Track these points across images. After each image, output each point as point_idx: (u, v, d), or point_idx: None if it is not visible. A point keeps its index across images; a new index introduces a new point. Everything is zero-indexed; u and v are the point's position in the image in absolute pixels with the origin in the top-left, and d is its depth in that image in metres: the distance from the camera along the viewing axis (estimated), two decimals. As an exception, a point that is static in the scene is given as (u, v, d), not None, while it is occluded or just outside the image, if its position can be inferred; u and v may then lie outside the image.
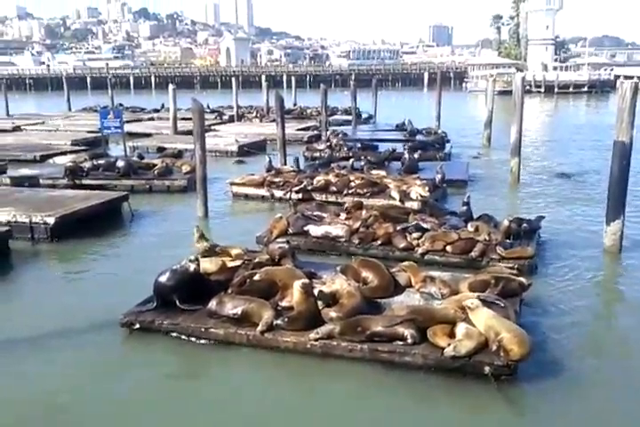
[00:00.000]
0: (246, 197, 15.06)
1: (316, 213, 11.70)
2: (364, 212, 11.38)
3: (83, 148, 22.85)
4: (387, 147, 20.55)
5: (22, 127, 30.92)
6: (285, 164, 17.80)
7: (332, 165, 17.19)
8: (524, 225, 10.65)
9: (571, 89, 67.40)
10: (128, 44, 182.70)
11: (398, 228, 10.53)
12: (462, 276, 8.42)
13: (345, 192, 14.06)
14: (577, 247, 10.90)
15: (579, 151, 23.72)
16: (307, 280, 7.34)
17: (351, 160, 17.53)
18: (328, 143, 21.75)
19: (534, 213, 12.43)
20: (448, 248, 9.81)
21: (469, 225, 10.55)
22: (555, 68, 72.82)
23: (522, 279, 8.07)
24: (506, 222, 10.44)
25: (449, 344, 6.34)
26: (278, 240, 10.33)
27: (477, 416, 5.86)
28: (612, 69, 74.06)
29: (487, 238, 9.90)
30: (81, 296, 8.71)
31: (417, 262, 9.01)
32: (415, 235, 10.12)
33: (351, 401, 6.08)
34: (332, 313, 7.03)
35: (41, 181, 15.83)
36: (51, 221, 11.25)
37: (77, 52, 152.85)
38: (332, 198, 14.02)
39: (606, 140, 12.07)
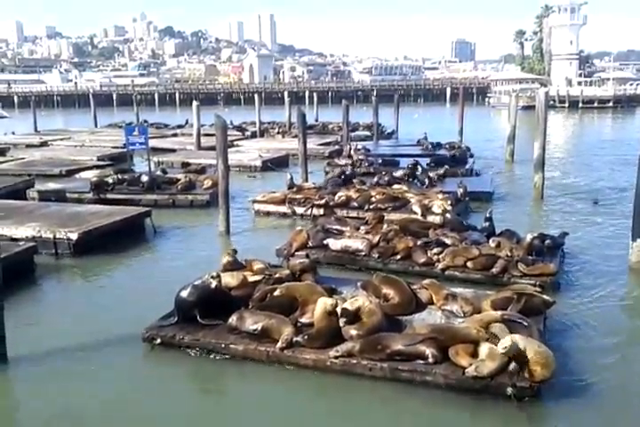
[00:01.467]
0: (268, 214, 15.11)
1: (336, 227, 11.69)
2: (385, 226, 11.35)
3: (108, 163, 23.21)
4: (408, 162, 20.63)
5: (49, 143, 31.55)
6: (307, 180, 17.86)
7: (354, 180, 17.21)
8: (548, 241, 10.51)
9: (595, 104, 66.73)
10: (153, 62, 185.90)
11: (419, 243, 10.47)
12: (485, 293, 8.30)
13: (366, 207, 14.03)
14: (602, 264, 10.72)
15: (603, 166, 23.43)
16: (334, 301, 7.26)
17: (376, 177, 17.51)
18: (349, 160, 21.78)
19: (558, 228, 12.27)
20: (469, 264, 9.71)
21: (491, 241, 10.43)
22: (579, 83, 72.22)
23: (545, 297, 7.94)
24: (528, 238, 10.30)
25: (471, 364, 6.23)
26: (298, 254, 10.33)
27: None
28: (637, 84, 73.24)
29: (509, 254, 9.77)
30: (103, 311, 8.77)
31: (437, 278, 8.93)
32: (435, 250, 10.05)
33: (370, 420, 6.00)
34: (353, 331, 6.97)
35: (67, 195, 16.10)
36: (74, 237, 11.41)
37: (104, 70, 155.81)
38: (353, 214, 14.00)
39: (632, 156, 11.98)
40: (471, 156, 23.50)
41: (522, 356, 6.02)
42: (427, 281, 8.41)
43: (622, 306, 8.96)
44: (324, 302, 7.09)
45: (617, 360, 7.18)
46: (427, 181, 17.22)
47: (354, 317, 7.19)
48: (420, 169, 18.35)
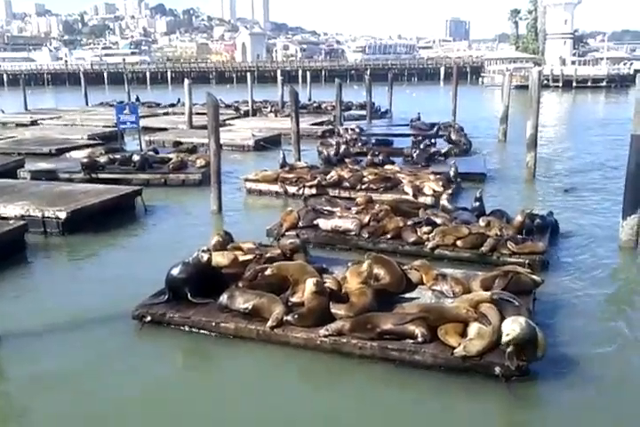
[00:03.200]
0: (260, 192, 15.07)
1: (326, 208, 11.67)
2: (377, 206, 11.35)
3: (99, 142, 23.00)
4: (402, 142, 20.69)
5: (39, 122, 31.21)
6: (300, 159, 17.78)
7: (347, 160, 17.14)
8: (538, 220, 10.56)
9: (589, 83, 66.56)
10: (145, 40, 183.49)
11: (409, 222, 10.48)
12: (474, 273, 8.33)
13: (358, 187, 14.00)
14: (592, 242, 10.80)
15: (596, 146, 23.45)
16: (319, 279, 7.28)
17: (369, 156, 17.41)
18: (342, 139, 21.68)
19: (549, 207, 12.30)
20: (458, 243, 9.72)
21: (481, 220, 10.48)
22: (573, 63, 71.92)
23: (534, 276, 8.00)
24: (519, 218, 10.35)
25: (459, 343, 6.27)
26: (288, 234, 10.32)
27: (486, 417, 5.78)
28: (631, 64, 72.97)
29: (498, 233, 9.82)
30: (93, 289, 8.74)
31: (427, 257, 8.96)
32: (425, 229, 10.06)
33: (359, 398, 6.04)
34: (342, 312, 6.99)
35: (59, 174, 16.00)
36: (62, 215, 11.37)
37: (95, 48, 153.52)
38: (345, 194, 13.97)
39: (624, 135, 11.97)
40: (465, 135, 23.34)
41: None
42: (417, 262, 8.40)
43: (611, 284, 9.03)
44: (310, 283, 7.10)
45: (605, 339, 7.23)
46: (422, 160, 17.19)
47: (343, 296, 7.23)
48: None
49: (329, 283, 7.37)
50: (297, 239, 9.35)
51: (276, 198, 14.68)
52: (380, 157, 17.16)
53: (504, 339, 6.05)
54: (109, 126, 26.70)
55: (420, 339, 6.45)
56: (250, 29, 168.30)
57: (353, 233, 10.42)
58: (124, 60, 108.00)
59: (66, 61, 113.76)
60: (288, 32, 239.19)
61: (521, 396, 5.97)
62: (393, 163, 16.79)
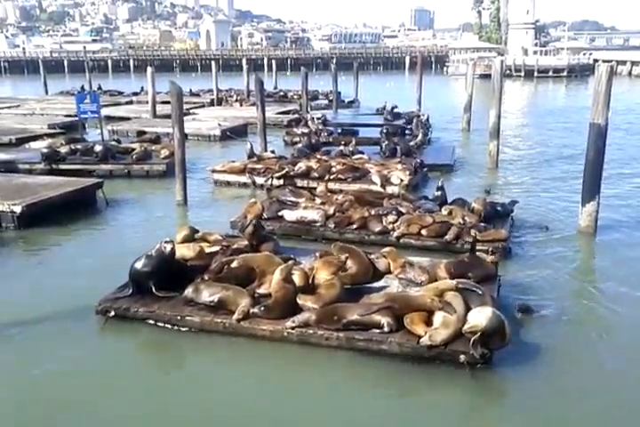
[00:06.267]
0: (228, 184, 14.91)
1: (290, 199, 11.62)
2: (340, 196, 11.36)
3: (60, 131, 22.47)
4: (369, 131, 20.63)
5: (-3, 111, 30.31)
6: (266, 149, 17.65)
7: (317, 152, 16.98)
8: (498, 208, 10.75)
9: (550, 73, 67.57)
10: (106, 27, 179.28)
11: (373, 212, 10.53)
12: (440, 261, 8.41)
13: (327, 178, 13.95)
14: (553, 229, 11.00)
15: (556, 134, 23.85)
16: (288, 264, 7.27)
17: (341, 146, 17.27)
18: (307, 129, 21.55)
19: (512, 195, 12.49)
20: (423, 232, 9.85)
21: (443, 209, 10.62)
22: (535, 53, 72.87)
23: (491, 256, 8.26)
24: (477, 206, 10.59)
25: (425, 332, 6.33)
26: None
27: (451, 404, 5.86)
28: (590, 54, 74.23)
29: (461, 222, 9.96)
30: (52, 285, 8.54)
31: (392, 246, 9.01)
32: (391, 218, 10.14)
33: (327, 389, 6.07)
34: (310, 303, 6.99)
35: (18, 166, 15.58)
36: (17, 209, 11.06)
37: (54, 35, 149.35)
38: (313, 184, 13.92)
39: (584, 123, 12.17)
40: (429, 126, 23.45)
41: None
42: (386, 249, 8.46)
43: (572, 270, 9.23)
44: (280, 268, 7.08)
45: (567, 324, 7.39)
46: (388, 151, 17.07)
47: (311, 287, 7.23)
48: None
49: (296, 274, 7.34)
50: (252, 223, 9.14)
51: (243, 189, 14.55)
52: (350, 148, 17.06)
53: (470, 329, 6.13)
54: (70, 115, 26.05)
55: (386, 328, 6.50)
56: (214, 17, 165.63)
57: (319, 224, 10.42)
58: (84, 47, 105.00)
59: (24, 49, 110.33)
60: (253, 20, 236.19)
61: (484, 383, 6.08)
62: (362, 153, 16.73)
